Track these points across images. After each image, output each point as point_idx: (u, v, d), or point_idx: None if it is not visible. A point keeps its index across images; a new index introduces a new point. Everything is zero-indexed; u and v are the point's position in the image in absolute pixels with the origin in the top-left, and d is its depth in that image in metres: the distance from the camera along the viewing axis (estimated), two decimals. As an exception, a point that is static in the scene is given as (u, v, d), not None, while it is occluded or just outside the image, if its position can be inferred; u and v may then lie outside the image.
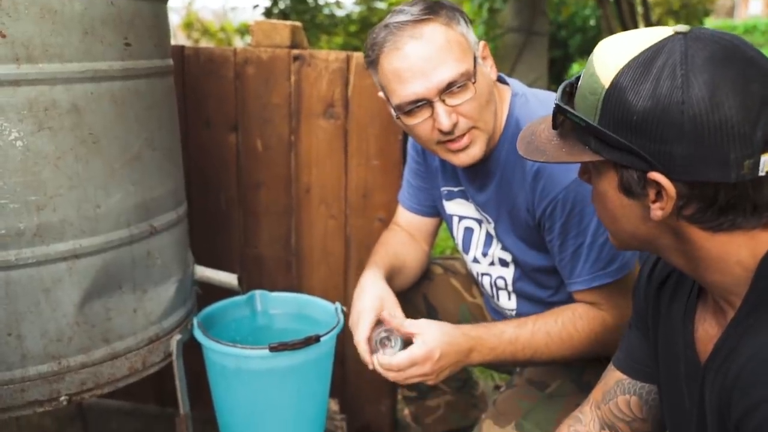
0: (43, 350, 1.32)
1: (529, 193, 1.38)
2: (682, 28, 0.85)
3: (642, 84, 0.82)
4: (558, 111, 0.92)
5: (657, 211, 0.86)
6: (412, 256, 1.69)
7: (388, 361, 1.32)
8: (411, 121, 1.36)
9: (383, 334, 1.38)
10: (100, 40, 1.29)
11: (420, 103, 1.33)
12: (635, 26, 4.94)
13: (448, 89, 1.31)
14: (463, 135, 1.36)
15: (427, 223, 1.72)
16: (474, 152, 1.39)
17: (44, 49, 1.22)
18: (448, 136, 1.35)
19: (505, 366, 1.62)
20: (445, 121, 1.32)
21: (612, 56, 0.86)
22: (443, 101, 1.32)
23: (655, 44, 0.84)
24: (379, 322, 1.40)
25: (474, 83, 1.33)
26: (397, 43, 1.31)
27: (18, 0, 1.19)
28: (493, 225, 1.51)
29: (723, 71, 0.80)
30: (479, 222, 1.57)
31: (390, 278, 1.53)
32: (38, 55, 1.22)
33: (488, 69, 1.40)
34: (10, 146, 1.22)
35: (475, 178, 1.49)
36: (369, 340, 1.39)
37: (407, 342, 1.36)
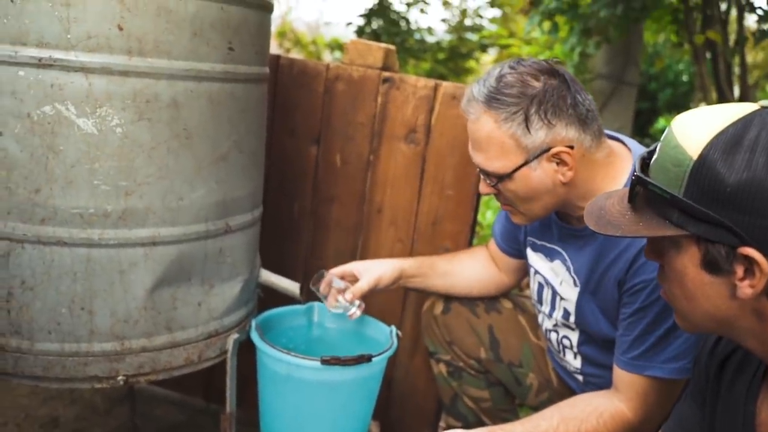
0: (110, 329, 1.38)
1: (625, 266, 1.35)
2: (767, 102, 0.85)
3: (734, 156, 0.81)
4: (638, 182, 0.91)
5: (746, 289, 0.83)
6: (473, 268, 1.74)
7: None
8: None
9: (341, 286, 1.65)
10: (206, 42, 1.35)
11: None
12: (730, 87, 4.78)
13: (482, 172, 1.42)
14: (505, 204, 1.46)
15: (509, 261, 1.73)
16: (516, 220, 1.48)
17: (155, 45, 1.29)
18: None
19: None
20: (480, 188, 1.46)
21: (697, 129, 0.85)
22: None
23: (743, 118, 0.83)
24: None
25: (505, 183, 1.37)
26: (466, 111, 1.39)
27: (139, -3, 1.26)
28: (577, 289, 1.48)
29: None
30: (547, 282, 1.56)
31: (418, 275, 1.70)
32: (149, 50, 1.29)
33: (551, 173, 1.34)
34: (110, 132, 1.29)
35: (578, 238, 1.46)
36: (327, 284, 1.67)
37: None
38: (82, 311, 1.35)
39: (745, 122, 0.83)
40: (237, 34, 1.41)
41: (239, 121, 1.46)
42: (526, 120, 1.30)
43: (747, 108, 0.85)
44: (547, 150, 1.32)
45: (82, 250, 1.33)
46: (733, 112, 0.85)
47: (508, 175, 1.35)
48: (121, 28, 1.26)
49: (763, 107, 0.84)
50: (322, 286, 1.67)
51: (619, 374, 1.38)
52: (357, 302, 1.65)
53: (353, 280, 1.67)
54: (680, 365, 1.32)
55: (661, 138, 0.92)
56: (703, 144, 0.83)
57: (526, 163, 1.33)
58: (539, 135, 1.31)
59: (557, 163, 1.33)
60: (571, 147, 1.32)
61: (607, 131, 1.45)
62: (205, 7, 1.34)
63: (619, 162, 1.39)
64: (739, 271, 0.83)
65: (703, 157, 0.83)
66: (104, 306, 1.37)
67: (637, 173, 0.91)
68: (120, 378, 1.41)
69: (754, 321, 0.87)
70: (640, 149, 1.42)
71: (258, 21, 1.48)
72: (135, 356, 1.41)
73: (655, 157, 0.91)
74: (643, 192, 0.91)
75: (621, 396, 1.38)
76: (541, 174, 1.34)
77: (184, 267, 1.43)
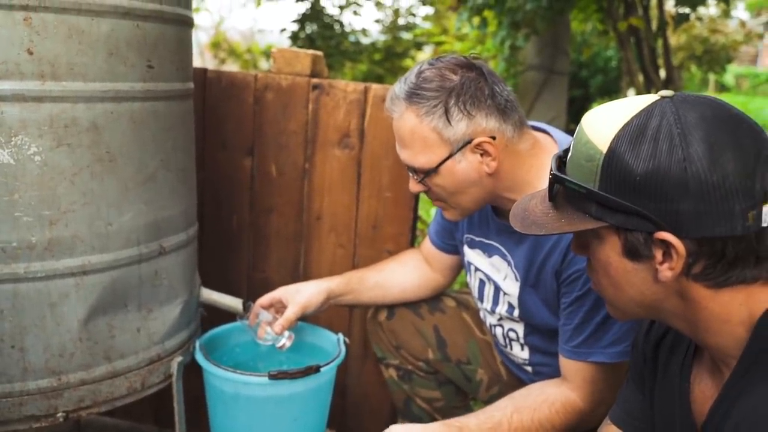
0: (44, 365, 1.33)
1: (560, 257, 1.37)
2: (667, 92, 0.88)
3: (640, 146, 0.84)
4: (555, 180, 0.93)
5: (666, 271, 0.86)
6: (404, 274, 1.74)
7: None
8: None
9: (269, 318, 1.64)
10: (123, 61, 1.31)
11: None
12: (656, 70, 4.95)
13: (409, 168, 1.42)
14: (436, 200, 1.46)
15: (445, 258, 1.74)
16: (448, 216, 1.48)
17: (69, 68, 1.25)
18: None
19: None
20: (410, 186, 1.45)
21: (604, 123, 0.88)
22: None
23: (645, 109, 0.87)
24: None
25: (432, 178, 1.38)
26: (390, 109, 1.40)
27: (47, 19, 1.21)
28: (518, 284, 1.49)
29: (716, 129, 0.83)
30: (488, 278, 1.57)
31: (347, 292, 1.70)
32: (63, 73, 1.24)
33: (475, 164, 1.35)
34: (28, 160, 1.24)
35: (514, 233, 1.47)
36: (254, 316, 1.66)
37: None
38: (12, 349, 1.30)
39: (647, 113, 0.86)
40: (155, 51, 1.37)
41: (165, 140, 1.42)
42: (446, 112, 1.32)
43: (649, 99, 0.88)
44: (470, 141, 1.34)
45: (8, 286, 1.27)
46: (636, 104, 0.88)
47: (434, 170, 1.36)
48: (31, 53, 1.21)
49: (663, 97, 0.88)
50: (250, 318, 1.65)
51: (565, 363, 1.41)
52: (286, 333, 1.63)
53: (282, 307, 1.65)
54: (621, 349, 1.35)
55: (574, 135, 0.94)
56: (610, 137, 0.86)
57: (450, 156, 1.35)
58: (460, 127, 1.32)
59: (481, 154, 1.35)
60: (493, 137, 1.34)
61: (533, 123, 1.48)
62: (120, 25, 1.30)
63: (544, 153, 1.41)
64: (658, 255, 0.86)
65: (612, 149, 0.86)
66: (36, 341, 1.31)
67: (554, 171, 0.93)
68: (60, 414, 1.36)
69: (679, 302, 0.90)
70: (566, 139, 1.45)
71: (177, 36, 1.45)
72: (74, 390, 1.36)
73: (569, 154, 0.94)
74: (561, 190, 0.94)
75: (570, 384, 1.40)
76: (466, 166, 1.36)
77: (118, 293, 1.38)
